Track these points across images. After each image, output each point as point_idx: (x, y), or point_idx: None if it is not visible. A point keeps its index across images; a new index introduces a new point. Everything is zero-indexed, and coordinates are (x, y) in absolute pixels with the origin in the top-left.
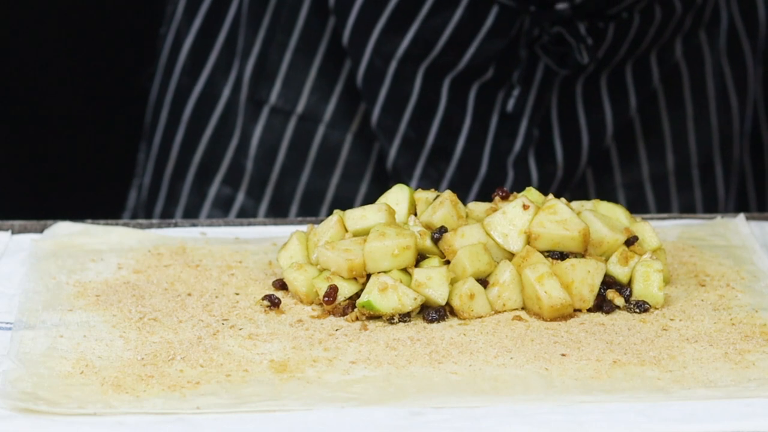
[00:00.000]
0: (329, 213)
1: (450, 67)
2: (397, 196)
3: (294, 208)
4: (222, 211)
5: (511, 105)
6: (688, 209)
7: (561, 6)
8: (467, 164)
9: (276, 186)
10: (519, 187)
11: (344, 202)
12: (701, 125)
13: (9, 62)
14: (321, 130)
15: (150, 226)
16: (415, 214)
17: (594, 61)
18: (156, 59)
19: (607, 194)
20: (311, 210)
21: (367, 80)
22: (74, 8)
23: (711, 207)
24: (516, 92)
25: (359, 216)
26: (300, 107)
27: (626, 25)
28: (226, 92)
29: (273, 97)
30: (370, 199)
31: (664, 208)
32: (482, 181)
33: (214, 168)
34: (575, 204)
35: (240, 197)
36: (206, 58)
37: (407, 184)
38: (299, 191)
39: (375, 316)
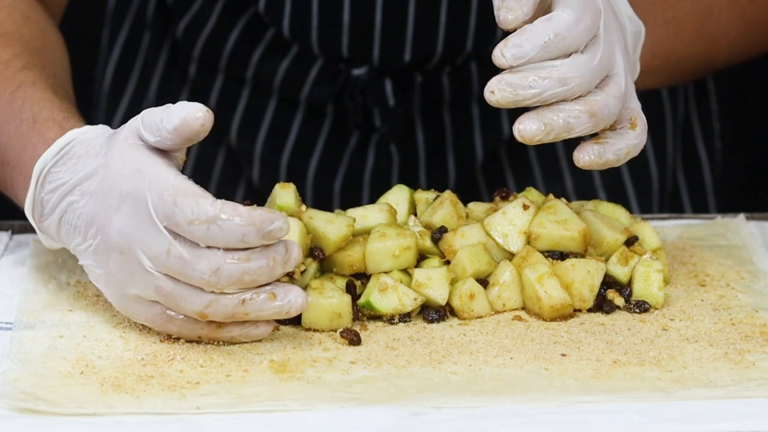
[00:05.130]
0: None
1: (296, 103)
2: (397, 196)
3: None
4: None
5: (355, 139)
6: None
7: (357, 72)
8: (322, 185)
9: None
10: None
11: None
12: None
13: None
14: (194, 147)
15: None
16: (415, 214)
17: (397, 124)
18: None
19: None
20: None
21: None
22: None
23: (645, 208)
24: (356, 135)
25: (360, 215)
26: None
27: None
28: None
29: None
30: None
31: None
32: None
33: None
34: (575, 204)
35: None
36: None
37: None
38: None
39: (375, 316)
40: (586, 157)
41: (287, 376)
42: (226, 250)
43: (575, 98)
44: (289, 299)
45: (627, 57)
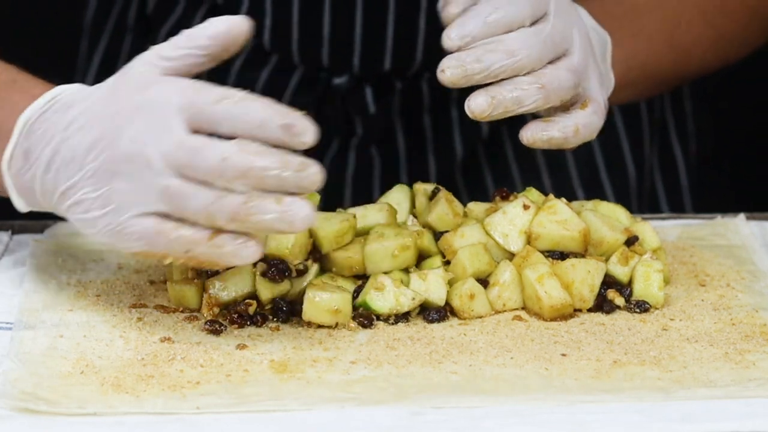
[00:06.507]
0: None
1: None
2: (398, 196)
3: None
4: None
5: (336, 144)
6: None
7: (338, 80)
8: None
9: None
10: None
11: None
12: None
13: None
14: None
15: None
16: (414, 208)
17: (377, 130)
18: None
19: None
20: None
21: None
22: None
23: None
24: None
25: (360, 215)
26: None
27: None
28: None
29: None
30: None
31: None
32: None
33: None
34: (575, 204)
35: None
36: None
37: None
38: None
39: (373, 317)
40: (528, 132)
41: (287, 376)
42: (240, 142)
43: (526, 73)
44: (294, 207)
45: (589, 46)
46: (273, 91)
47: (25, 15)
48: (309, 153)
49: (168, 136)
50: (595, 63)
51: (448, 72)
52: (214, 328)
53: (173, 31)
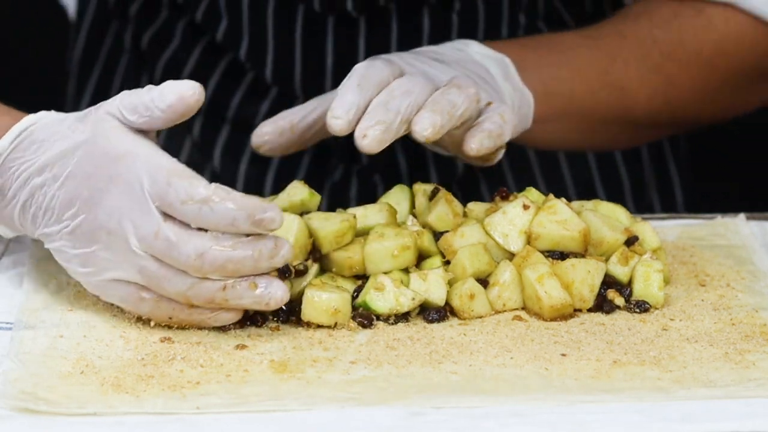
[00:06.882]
0: None
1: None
2: (398, 196)
3: None
4: None
5: (339, 172)
6: None
7: None
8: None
9: None
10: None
11: None
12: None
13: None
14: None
15: None
16: (414, 208)
17: (381, 157)
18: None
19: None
20: None
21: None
22: None
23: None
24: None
25: (360, 215)
26: None
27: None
28: None
29: None
30: None
31: None
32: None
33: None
34: (575, 204)
35: None
36: None
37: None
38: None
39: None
40: (472, 144)
41: (287, 376)
42: (215, 236)
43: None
44: (270, 290)
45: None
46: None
47: (9, 55)
48: (312, 178)
49: (145, 222)
50: (485, 79)
51: (370, 132)
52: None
53: (169, 66)
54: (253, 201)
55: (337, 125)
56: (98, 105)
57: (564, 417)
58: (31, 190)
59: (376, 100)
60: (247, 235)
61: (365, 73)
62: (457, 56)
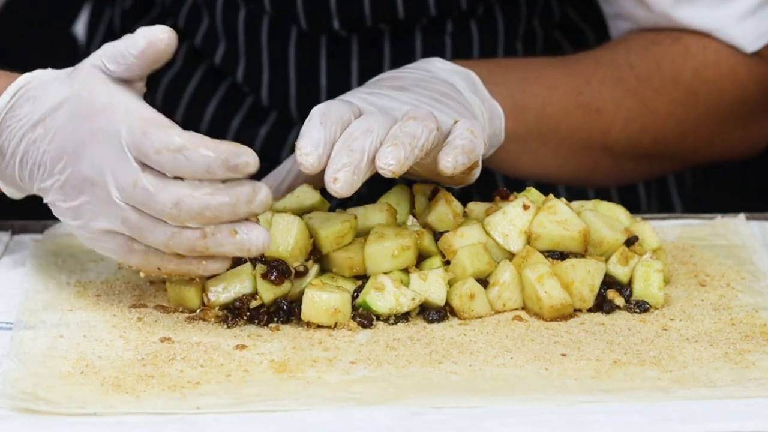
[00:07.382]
0: None
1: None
2: (398, 196)
3: None
4: None
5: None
6: None
7: None
8: None
9: None
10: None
11: None
12: None
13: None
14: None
15: None
16: (414, 209)
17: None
18: None
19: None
20: None
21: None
22: None
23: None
24: None
25: (360, 215)
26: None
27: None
28: None
29: None
30: None
31: None
32: None
33: None
34: (575, 204)
35: None
36: None
37: None
38: None
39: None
40: (447, 163)
41: (287, 376)
42: (192, 184)
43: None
44: (251, 236)
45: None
46: (272, 147)
47: None
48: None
49: (124, 172)
50: (449, 95)
51: (340, 176)
52: (225, 316)
53: (169, 91)
54: (226, 146)
55: (308, 161)
56: (85, 59)
57: (564, 417)
58: (26, 147)
59: (338, 145)
60: (225, 182)
61: (325, 111)
62: (419, 77)
